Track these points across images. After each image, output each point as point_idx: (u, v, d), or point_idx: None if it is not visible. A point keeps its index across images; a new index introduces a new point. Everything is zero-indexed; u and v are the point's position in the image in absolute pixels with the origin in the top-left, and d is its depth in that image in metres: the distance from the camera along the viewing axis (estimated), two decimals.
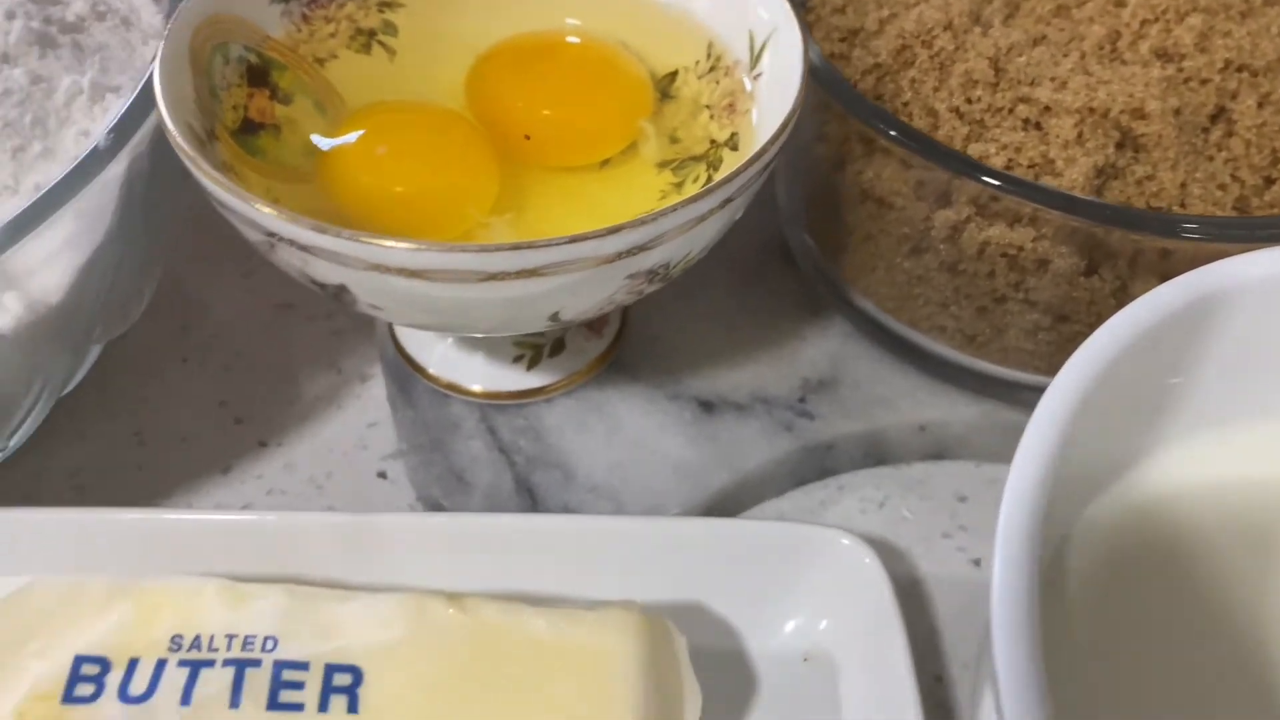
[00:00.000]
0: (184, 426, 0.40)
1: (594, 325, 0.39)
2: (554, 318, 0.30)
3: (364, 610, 0.27)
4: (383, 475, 0.39)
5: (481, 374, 0.38)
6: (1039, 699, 0.20)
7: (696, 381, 0.39)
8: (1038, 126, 0.33)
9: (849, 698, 0.32)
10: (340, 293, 0.29)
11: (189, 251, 0.45)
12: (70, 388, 0.37)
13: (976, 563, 0.38)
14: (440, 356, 0.38)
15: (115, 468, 0.39)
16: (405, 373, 0.39)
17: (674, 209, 0.27)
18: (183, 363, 0.42)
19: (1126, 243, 0.32)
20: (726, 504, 0.37)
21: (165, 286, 0.40)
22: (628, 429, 0.38)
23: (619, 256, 0.27)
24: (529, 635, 0.27)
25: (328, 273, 0.28)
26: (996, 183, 0.30)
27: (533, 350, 0.38)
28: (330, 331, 0.43)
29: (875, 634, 0.32)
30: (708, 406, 0.39)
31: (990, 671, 0.22)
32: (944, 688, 0.35)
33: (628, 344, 0.40)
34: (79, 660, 0.26)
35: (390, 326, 0.40)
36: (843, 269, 0.38)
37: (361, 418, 0.41)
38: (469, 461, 0.37)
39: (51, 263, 0.30)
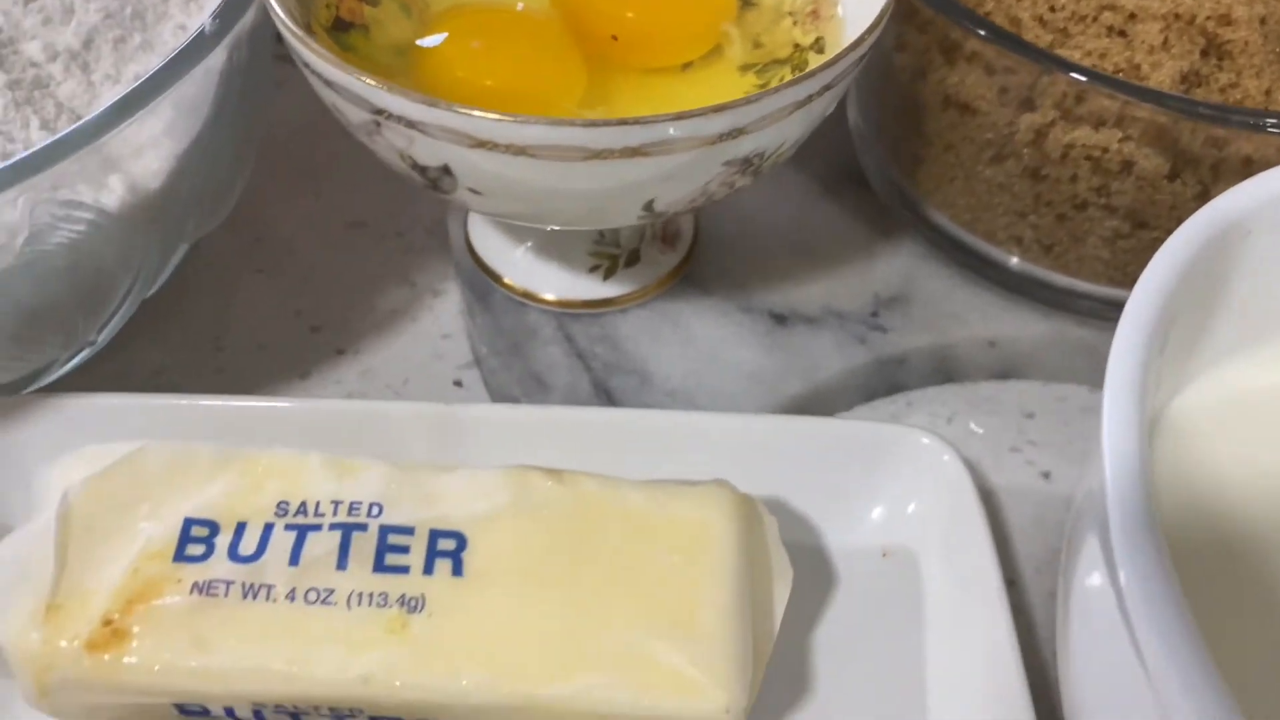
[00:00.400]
0: (261, 334, 0.41)
1: (668, 238, 0.40)
2: (648, 207, 0.30)
3: (466, 481, 0.28)
4: (458, 384, 0.39)
5: (557, 283, 0.39)
6: (1153, 534, 0.21)
7: (768, 295, 0.40)
8: (1122, 34, 0.33)
9: (930, 591, 0.32)
10: (441, 177, 0.29)
11: (260, 172, 0.45)
12: (154, 289, 0.38)
13: (1046, 475, 0.38)
14: (517, 265, 0.39)
15: (196, 370, 0.39)
16: (482, 282, 0.39)
17: (777, 90, 0.27)
18: (257, 274, 0.43)
19: (1210, 147, 0.32)
20: (799, 414, 0.38)
21: (239, 202, 0.41)
22: (701, 339, 0.38)
23: (720, 139, 0.28)
24: (627, 508, 0.28)
25: (432, 153, 0.28)
26: (1085, 78, 0.31)
27: (609, 261, 0.39)
28: (402, 249, 0.44)
29: (956, 529, 0.32)
30: (780, 319, 0.39)
31: (1097, 517, 0.23)
32: (1017, 591, 0.35)
33: (700, 259, 0.41)
34: (188, 523, 0.27)
35: (467, 237, 0.40)
36: (919, 182, 0.38)
37: (435, 329, 0.41)
38: (547, 366, 0.37)
39: (152, 149, 0.31)
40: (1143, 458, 0.22)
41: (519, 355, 0.38)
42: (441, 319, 0.42)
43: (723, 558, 0.27)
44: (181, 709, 0.27)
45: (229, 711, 0.27)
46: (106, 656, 0.25)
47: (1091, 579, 0.25)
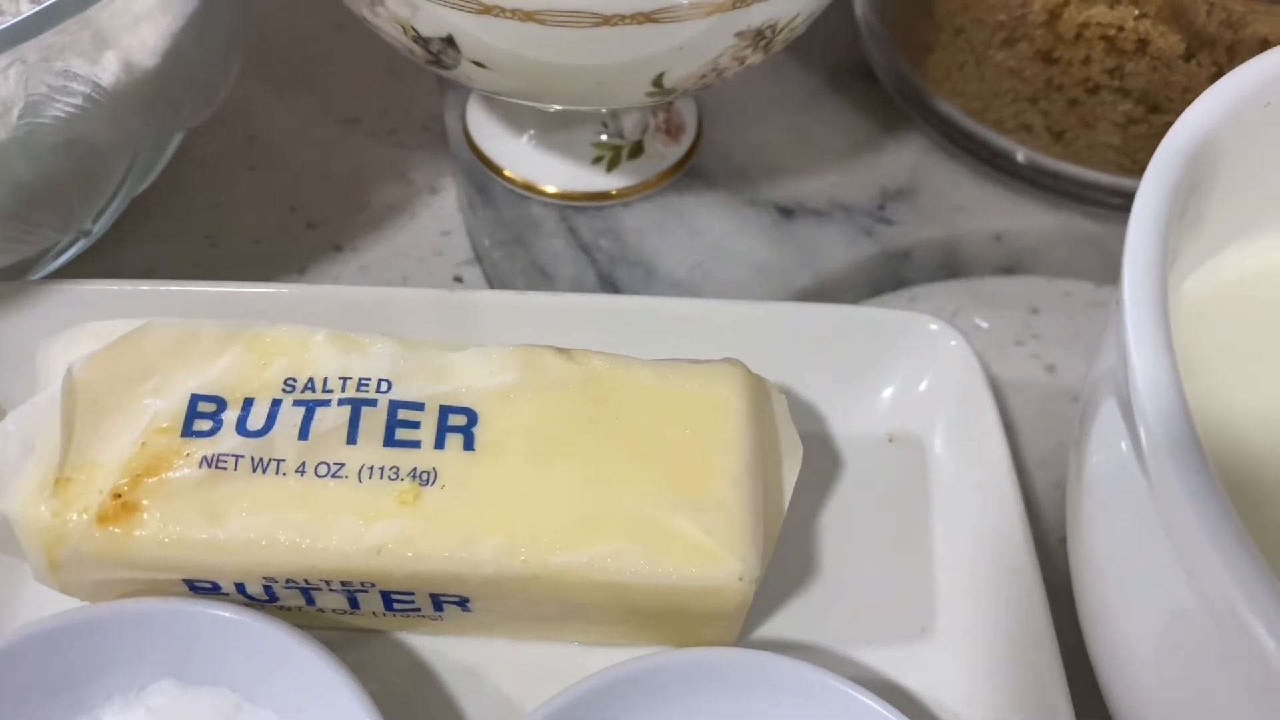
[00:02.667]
0: (255, 230, 0.40)
1: (672, 130, 0.39)
2: (657, 83, 0.30)
3: (475, 359, 0.28)
4: (459, 279, 0.39)
5: (559, 175, 0.38)
6: (1178, 393, 0.21)
7: (774, 189, 0.39)
8: None
9: (936, 475, 0.32)
10: (444, 50, 0.29)
11: (252, 71, 0.44)
12: (147, 182, 0.37)
13: (1051, 369, 0.38)
14: (518, 157, 0.38)
15: (191, 265, 0.39)
16: (482, 174, 0.39)
17: None
18: (250, 170, 0.42)
19: (1226, 29, 0.32)
20: None
21: (230, 100, 0.40)
22: (707, 232, 0.38)
23: (733, 5, 0.27)
24: (638, 384, 0.28)
25: (435, 23, 0.28)
26: None
27: (611, 152, 0.38)
28: (396, 145, 0.43)
29: (963, 414, 0.32)
30: (786, 212, 0.39)
31: (1116, 381, 0.22)
32: (1024, 479, 0.35)
33: (705, 153, 0.40)
34: (195, 398, 0.27)
35: (466, 129, 0.40)
36: (927, 72, 0.38)
37: (434, 225, 0.41)
38: (551, 258, 0.37)
39: (147, 23, 0.30)
40: (1164, 315, 0.22)
41: (522, 247, 0.37)
42: (440, 215, 0.41)
43: (734, 431, 0.27)
44: (192, 585, 0.27)
45: (239, 587, 0.27)
46: (117, 529, 0.25)
47: (1108, 448, 0.25)
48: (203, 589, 0.27)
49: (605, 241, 0.37)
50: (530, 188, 0.38)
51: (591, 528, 0.26)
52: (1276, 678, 0.18)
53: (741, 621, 0.28)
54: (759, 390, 0.29)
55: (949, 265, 0.40)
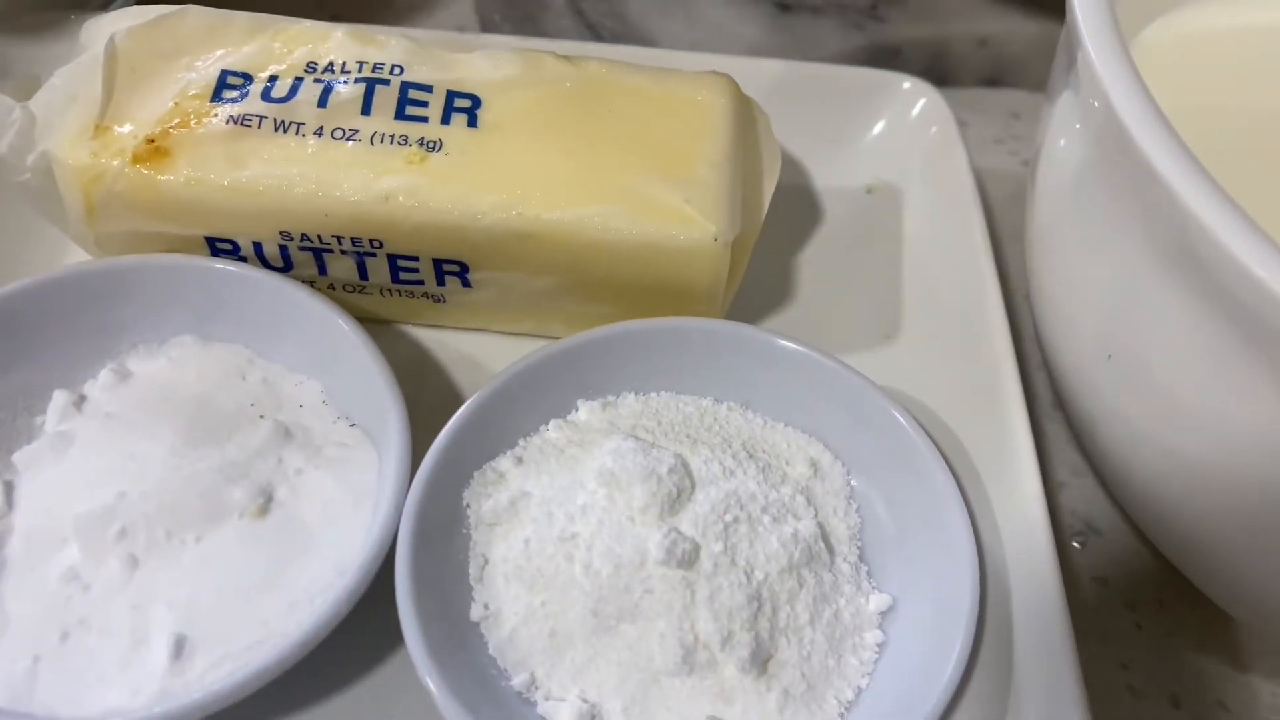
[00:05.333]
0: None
1: None
2: None
3: (482, 57, 0.30)
4: None
5: None
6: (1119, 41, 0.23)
7: None
8: None
9: (910, 222, 0.34)
10: None
11: None
12: None
13: (1026, 163, 0.40)
14: None
15: None
16: None
17: None
18: None
19: None
20: None
21: None
22: (707, 17, 0.40)
23: None
24: (631, 85, 0.30)
25: None
26: None
27: None
28: None
29: (937, 163, 0.35)
30: (784, 6, 0.41)
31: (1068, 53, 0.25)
32: (997, 247, 0.37)
33: None
34: (224, 73, 0.29)
35: None
36: None
37: (451, 20, 0.43)
38: (559, 33, 0.39)
39: None
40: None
41: (531, 24, 0.39)
42: (456, 12, 0.43)
43: (718, 127, 0.29)
44: (213, 246, 0.29)
45: (257, 249, 0.29)
46: (148, 170, 0.27)
47: (1066, 120, 0.27)
48: (224, 251, 0.29)
49: (610, 22, 0.39)
50: None
51: (581, 192, 0.28)
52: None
53: (722, 306, 0.30)
54: (744, 102, 0.31)
55: (936, 70, 0.42)
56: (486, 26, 0.41)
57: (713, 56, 0.35)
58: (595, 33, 0.39)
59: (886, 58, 0.41)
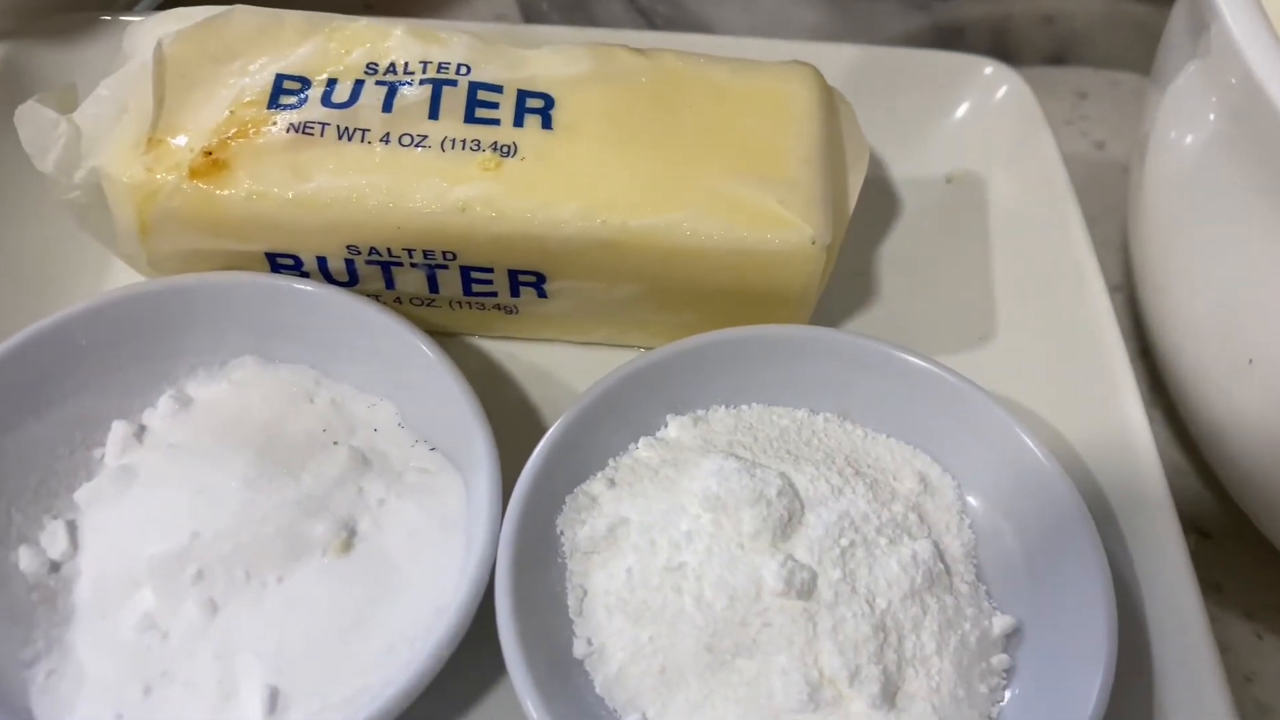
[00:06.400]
0: (315, 8, 0.41)
1: None
2: None
3: (550, 53, 0.28)
4: None
5: None
6: None
7: None
8: None
9: (996, 213, 0.33)
10: None
11: None
12: None
13: (1100, 145, 0.39)
14: None
15: None
16: None
17: None
18: None
19: None
20: None
21: None
22: (764, 1, 0.38)
23: None
24: (710, 79, 0.28)
25: None
26: None
27: None
28: None
29: (1021, 152, 0.33)
30: None
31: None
32: None
33: None
34: (280, 77, 0.27)
35: None
36: None
37: (490, 9, 0.41)
38: (609, 21, 0.37)
39: None
40: None
41: (582, 9, 0.38)
42: (495, 1, 0.41)
43: (805, 121, 0.28)
44: (274, 261, 0.27)
45: (321, 263, 0.27)
46: (207, 185, 0.26)
47: (1187, 102, 0.25)
48: (285, 267, 0.28)
49: (663, 7, 0.38)
50: None
51: (667, 197, 0.26)
52: None
53: (809, 309, 0.28)
54: (828, 92, 0.29)
55: (1000, 49, 0.40)
56: (530, 14, 0.39)
57: (781, 43, 0.33)
58: (648, 19, 0.37)
59: (949, 37, 0.39)
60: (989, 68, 0.34)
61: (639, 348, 0.30)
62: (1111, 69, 0.41)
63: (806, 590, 0.23)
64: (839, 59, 0.34)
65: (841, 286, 0.31)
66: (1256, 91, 0.21)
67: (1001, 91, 0.33)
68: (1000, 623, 0.24)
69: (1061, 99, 0.40)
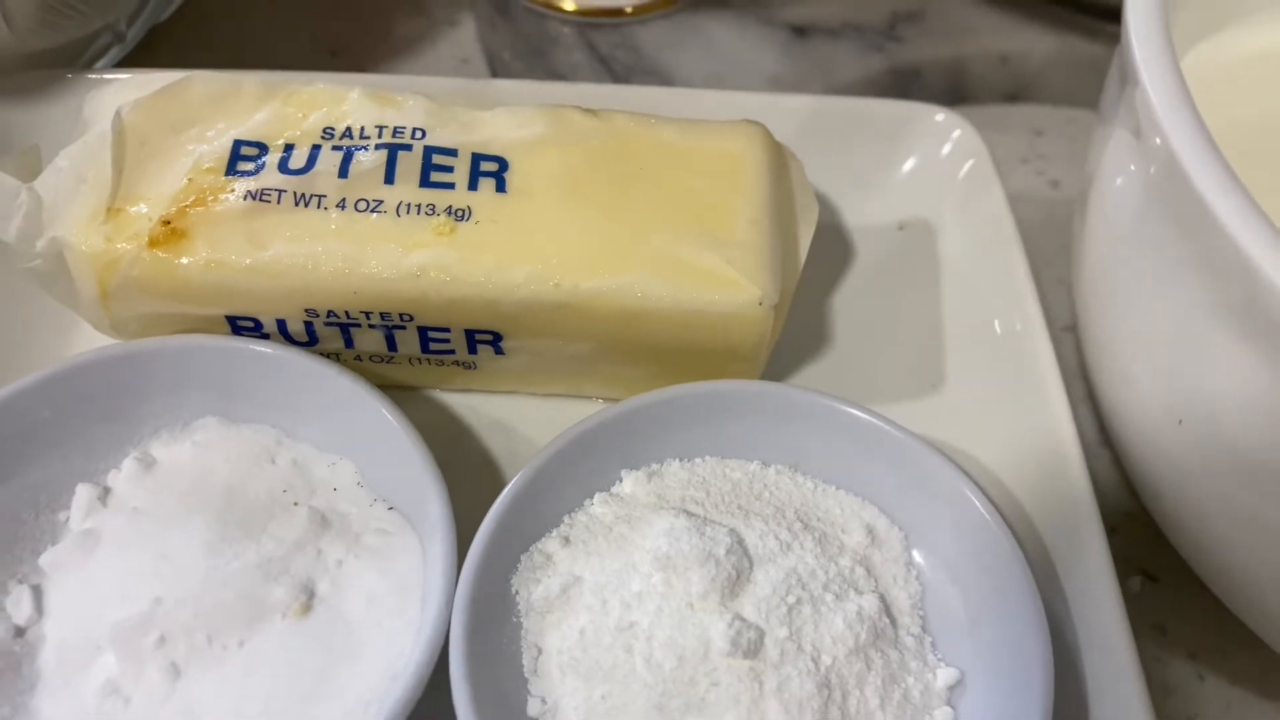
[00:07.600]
0: (280, 58, 0.41)
1: None
2: None
3: (504, 115, 0.29)
4: None
5: None
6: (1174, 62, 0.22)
7: (788, 9, 0.40)
8: None
9: (947, 260, 0.34)
10: None
11: None
12: (168, 13, 0.38)
13: (1055, 184, 0.39)
14: None
15: None
16: None
17: None
18: (270, 4, 0.43)
19: None
20: None
21: None
22: (722, 47, 0.39)
23: None
24: (660, 139, 0.29)
25: None
26: None
27: None
28: None
29: (972, 199, 0.34)
30: (800, 31, 0.40)
31: (1123, 80, 0.24)
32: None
33: None
34: (238, 143, 0.28)
35: None
36: None
37: (453, 53, 0.42)
38: (569, 69, 0.38)
39: None
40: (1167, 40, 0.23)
41: (541, 59, 0.38)
42: (459, 44, 0.42)
43: (754, 181, 0.28)
44: (235, 325, 0.28)
45: (281, 325, 0.28)
46: (166, 254, 0.26)
47: (1121, 151, 0.26)
48: (245, 329, 0.28)
49: (622, 54, 0.38)
50: (550, 4, 0.39)
51: (619, 259, 0.27)
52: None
53: (762, 363, 0.29)
54: (777, 150, 0.30)
55: (956, 89, 0.41)
56: (493, 61, 0.39)
57: (736, 94, 0.34)
58: (608, 66, 0.38)
59: (907, 79, 0.40)
60: (940, 114, 0.34)
61: (598, 399, 0.31)
62: (1067, 106, 0.42)
63: (753, 649, 0.24)
64: (792, 109, 0.34)
65: (796, 337, 0.32)
66: (1174, 163, 0.21)
67: (953, 137, 0.34)
68: (944, 676, 0.25)
69: (1018, 137, 0.41)
